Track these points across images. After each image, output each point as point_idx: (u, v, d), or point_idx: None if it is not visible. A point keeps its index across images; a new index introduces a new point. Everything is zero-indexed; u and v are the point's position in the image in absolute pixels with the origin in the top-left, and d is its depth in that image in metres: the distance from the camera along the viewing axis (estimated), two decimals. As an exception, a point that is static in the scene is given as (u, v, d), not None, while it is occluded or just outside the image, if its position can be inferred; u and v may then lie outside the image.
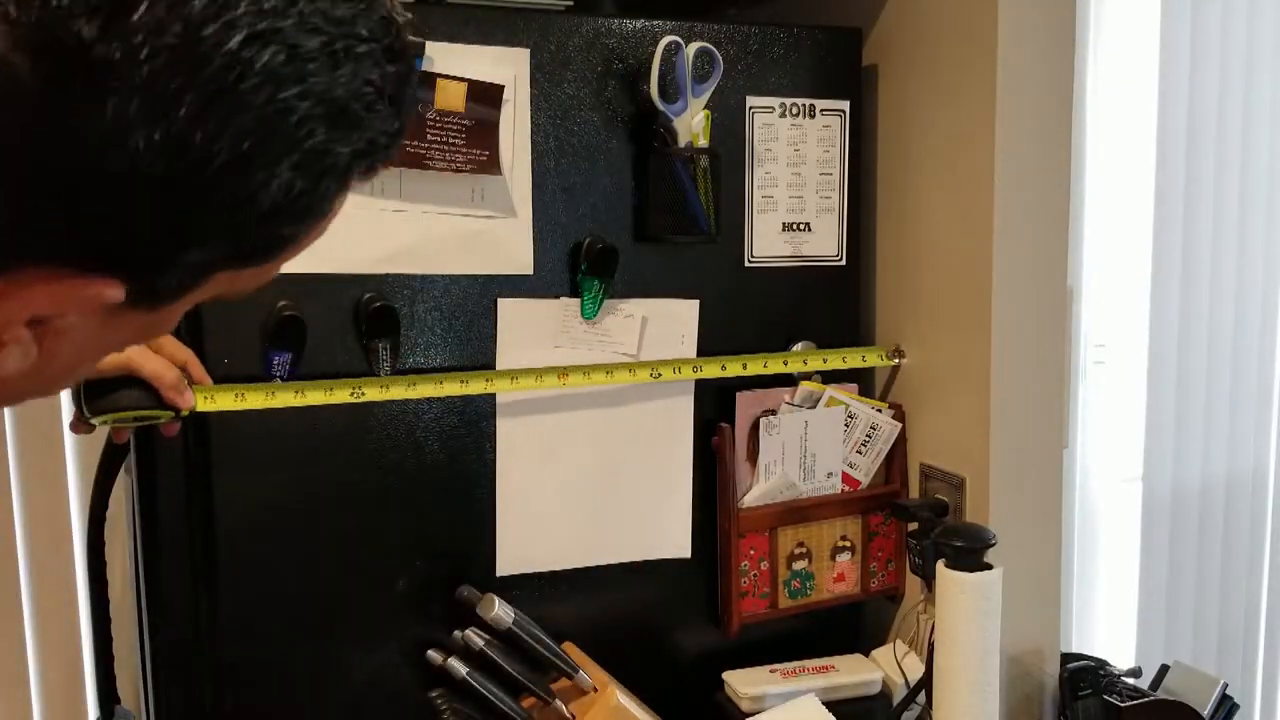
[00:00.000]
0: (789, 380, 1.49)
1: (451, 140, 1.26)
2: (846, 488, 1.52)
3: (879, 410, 1.52)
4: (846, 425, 1.51)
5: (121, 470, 1.22)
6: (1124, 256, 1.94)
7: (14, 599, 1.61)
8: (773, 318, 1.48)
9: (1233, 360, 2.06)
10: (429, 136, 1.25)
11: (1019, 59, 1.35)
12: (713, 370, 1.41)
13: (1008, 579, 1.27)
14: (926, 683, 1.35)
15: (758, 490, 1.46)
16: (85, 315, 0.54)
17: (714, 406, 1.45)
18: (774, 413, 1.46)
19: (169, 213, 0.51)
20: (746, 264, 1.46)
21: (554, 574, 1.41)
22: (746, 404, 1.45)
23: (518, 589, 1.38)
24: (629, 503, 1.43)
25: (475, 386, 1.30)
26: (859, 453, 1.52)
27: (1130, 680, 1.44)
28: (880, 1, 1.54)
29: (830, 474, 1.51)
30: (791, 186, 1.47)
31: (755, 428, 1.45)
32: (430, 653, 1.31)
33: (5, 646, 1.61)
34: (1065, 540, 1.55)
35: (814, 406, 1.48)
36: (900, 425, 1.52)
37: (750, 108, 1.43)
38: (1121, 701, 1.38)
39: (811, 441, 1.48)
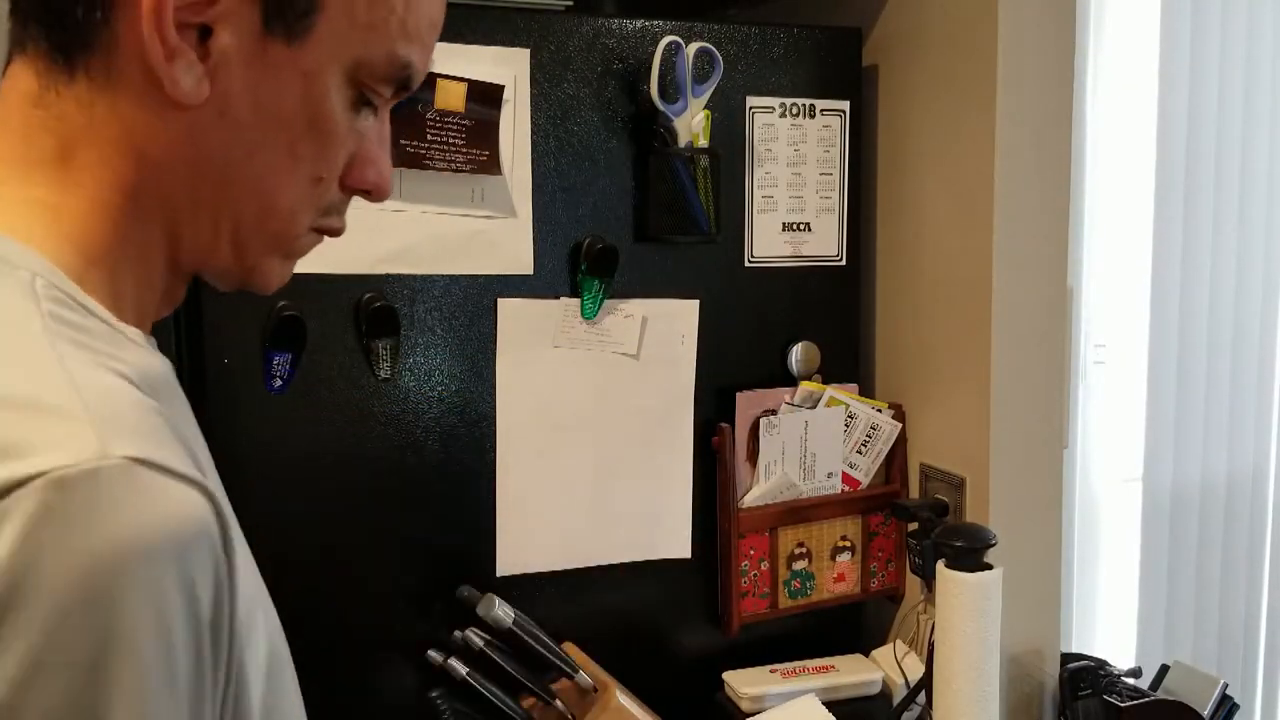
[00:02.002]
0: (789, 380, 1.49)
1: (451, 140, 1.26)
2: (846, 488, 1.52)
3: (879, 410, 1.52)
4: (846, 425, 1.51)
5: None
6: (1124, 256, 1.94)
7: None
8: (773, 318, 1.48)
9: (1233, 360, 2.06)
10: (429, 136, 1.25)
11: (1019, 59, 1.35)
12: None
13: (1008, 579, 1.27)
14: (926, 683, 1.35)
15: (758, 490, 1.46)
16: (237, 36, 0.58)
17: (714, 406, 1.45)
18: (774, 413, 1.46)
19: None
20: (746, 264, 1.46)
21: (554, 574, 1.41)
22: (746, 404, 1.45)
23: (518, 589, 1.38)
24: (629, 503, 1.43)
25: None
26: (859, 453, 1.52)
27: (1130, 680, 1.44)
28: (880, 1, 1.55)
29: (830, 474, 1.51)
30: (791, 186, 1.47)
31: (755, 427, 1.45)
32: (430, 653, 1.31)
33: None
34: (1065, 540, 1.55)
35: (814, 406, 1.48)
36: (900, 425, 1.52)
37: (750, 108, 1.43)
38: (1121, 701, 1.38)
39: (812, 441, 1.48)
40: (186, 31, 0.57)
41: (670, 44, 1.34)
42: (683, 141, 1.36)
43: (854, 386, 1.52)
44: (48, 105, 0.58)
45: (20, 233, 0.57)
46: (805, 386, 1.48)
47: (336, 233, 0.70)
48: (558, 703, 1.31)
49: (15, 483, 0.45)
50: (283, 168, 0.63)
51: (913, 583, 1.54)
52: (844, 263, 1.52)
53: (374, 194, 0.70)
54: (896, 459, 1.53)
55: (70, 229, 0.58)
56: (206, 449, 0.64)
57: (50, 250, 0.57)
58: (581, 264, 1.35)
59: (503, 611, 1.29)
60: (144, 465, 0.48)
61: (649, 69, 1.33)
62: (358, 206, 1.33)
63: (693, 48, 1.35)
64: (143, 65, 0.57)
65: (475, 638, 1.29)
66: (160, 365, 0.61)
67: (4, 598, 0.45)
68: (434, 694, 1.30)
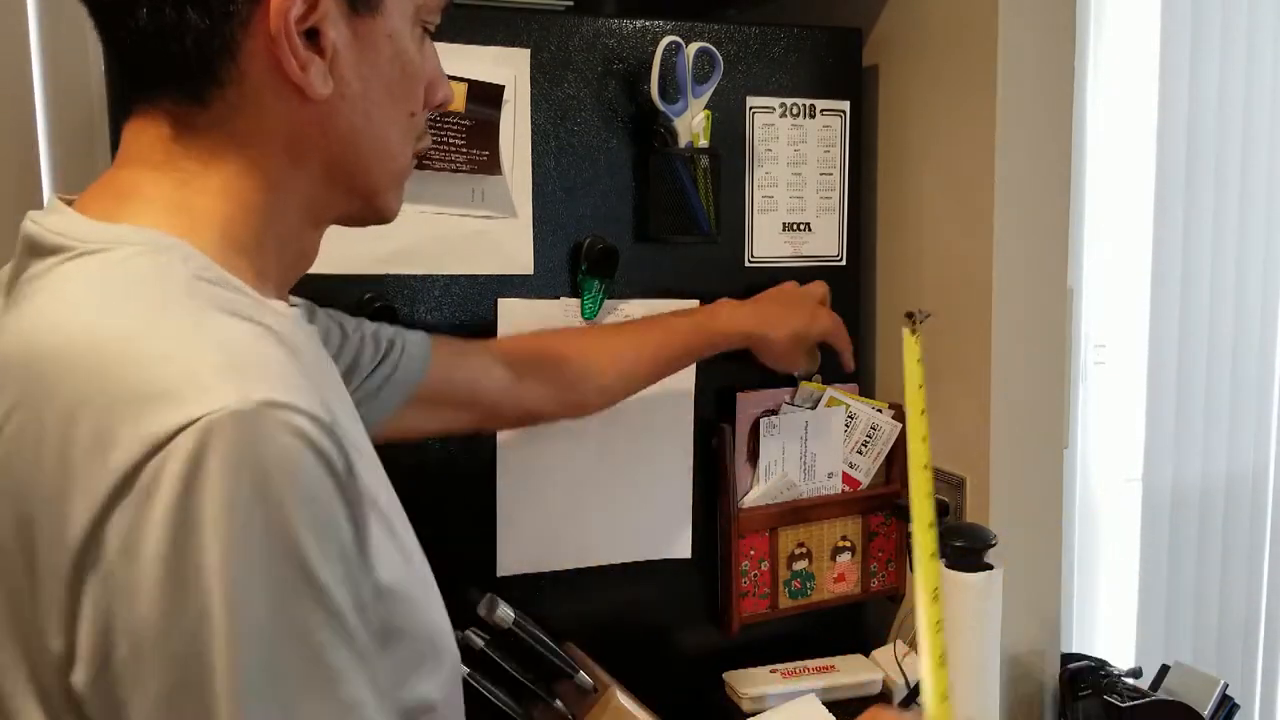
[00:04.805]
0: (790, 380, 1.49)
1: (451, 140, 1.26)
2: (847, 488, 1.52)
3: (879, 410, 1.52)
4: (847, 425, 1.51)
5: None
6: (1124, 256, 1.94)
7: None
8: (773, 318, 1.48)
9: (1233, 360, 2.06)
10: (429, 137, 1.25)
11: (1019, 59, 1.35)
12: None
13: (1008, 579, 1.27)
14: (927, 683, 1.35)
15: (758, 491, 1.46)
16: (337, 27, 0.67)
17: (714, 406, 1.45)
18: (775, 413, 1.46)
19: None
20: (746, 264, 1.46)
21: (554, 574, 1.41)
22: (747, 404, 1.45)
23: (518, 589, 1.38)
24: (629, 503, 1.43)
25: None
26: (859, 453, 1.52)
27: (1130, 680, 1.44)
28: (880, 1, 1.55)
29: (831, 474, 1.51)
30: (791, 186, 1.47)
31: (756, 428, 1.45)
32: (430, 653, 1.31)
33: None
34: (1065, 540, 1.55)
35: (814, 407, 1.48)
36: (901, 425, 1.52)
37: (750, 108, 1.43)
38: (1122, 702, 1.38)
39: (812, 442, 1.48)
40: (308, 38, 0.67)
41: (670, 44, 1.34)
42: (683, 141, 1.36)
43: (854, 386, 1.52)
44: (187, 139, 0.67)
45: (174, 229, 0.65)
46: (806, 386, 1.48)
47: (425, 153, 0.82)
48: (558, 703, 1.31)
49: (177, 428, 0.53)
50: (391, 118, 0.73)
51: (913, 582, 1.54)
52: (844, 263, 1.52)
53: (443, 106, 0.79)
54: (897, 459, 1.53)
55: (222, 226, 0.67)
56: (348, 401, 0.75)
57: (200, 242, 0.65)
58: (581, 264, 1.35)
59: (503, 611, 1.29)
60: (274, 406, 0.55)
61: (649, 69, 1.33)
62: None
63: (693, 48, 1.35)
64: (272, 81, 0.67)
65: (475, 638, 1.29)
66: (299, 331, 0.67)
67: (181, 518, 0.53)
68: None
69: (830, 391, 1.49)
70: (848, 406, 1.50)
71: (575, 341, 1.26)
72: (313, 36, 0.67)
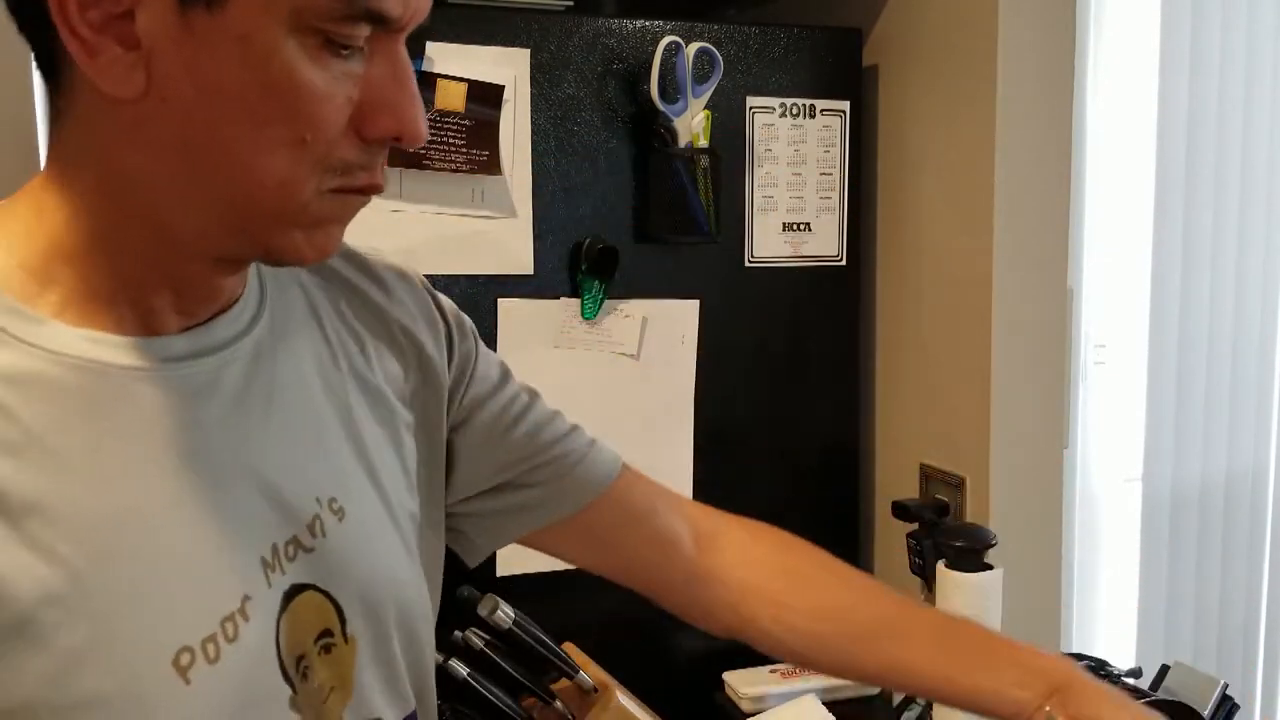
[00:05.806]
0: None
1: (451, 140, 1.26)
2: None
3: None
4: None
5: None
6: (1124, 256, 1.94)
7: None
8: (773, 318, 1.48)
9: (1233, 360, 2.06)
10: (429, 137, 1.25)
11: (1019, 59, 1.35)
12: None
13: (1008, 579, 1.27)
14: (927, 683, 1.33)
15: None
16: (157, 16, 0.56)
17: (715, 404, 1.45)
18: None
19: None
20: (746, 264, 1.46)
21: (554, 574, 1.41)
22: None
23: (518, 589, 1.38)
24: (629, 503, 1.43)
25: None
26: None
27: (1130, 680, 1.43)
28: (880, 1, 1.55)
29: None
30: (791, 186, 1.47)
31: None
32: (430, 653, 1.31)
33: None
34: (1065, 540, 1.55)
35: None
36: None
37: (750, 108, 1.43)
38: (1122, 702, 1.37)
39: None
40: (113, 24, 0.56)
41: (670, 44, 1.34)
42: (683, 141, 1.36)
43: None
44: (55, 142, 0.62)
45: None
46: None
47: (372, 189, 0.65)
48: (558, 703, 1.30)
49: None
50: (250, 140, 0.59)
51: (913, 583, 1.54)
52: (844, 263, 1.52)
53: (402, 140, 0.63)
54: None
55: (49, 227, 0.61)
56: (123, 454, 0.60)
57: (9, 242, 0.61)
58: (581, 264, 1.35)
59: (503, 612, 1.29)
60: None
61: (649, 69, 1.33)
62: (358, 206, 1.30)
63: (693, 48, 1.35)
64: (85, 79, 0.57)
65: (475, 638, 1.29)
66: (40, 365, 0.58)
67: None
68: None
69: None
70: None
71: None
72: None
